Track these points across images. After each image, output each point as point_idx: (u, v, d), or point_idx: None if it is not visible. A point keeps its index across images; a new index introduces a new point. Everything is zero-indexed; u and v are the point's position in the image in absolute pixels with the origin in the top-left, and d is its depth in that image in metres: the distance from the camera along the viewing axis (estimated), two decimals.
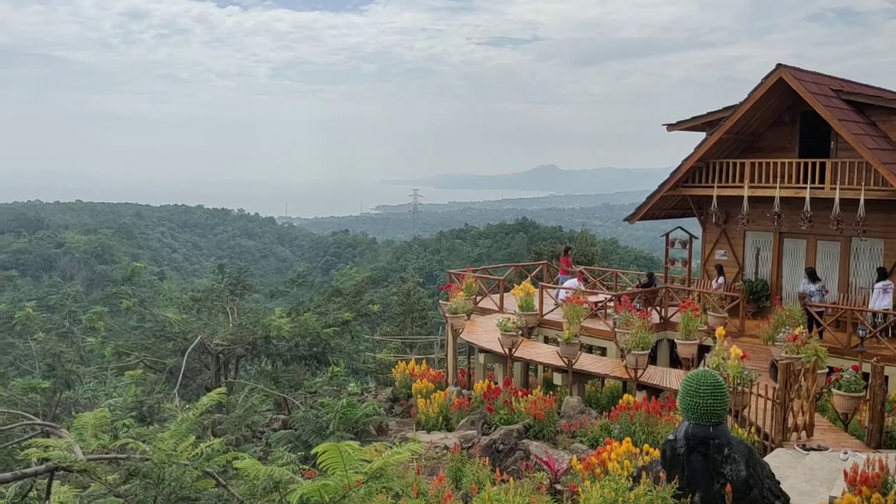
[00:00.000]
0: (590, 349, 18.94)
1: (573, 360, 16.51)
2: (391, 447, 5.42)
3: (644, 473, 9.28)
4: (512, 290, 21.73)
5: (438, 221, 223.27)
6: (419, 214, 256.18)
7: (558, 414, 15.57)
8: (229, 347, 18.00)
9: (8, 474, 5.57)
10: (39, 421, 8.26)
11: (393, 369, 22.47)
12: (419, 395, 18.41)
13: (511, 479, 10.19)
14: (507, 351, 17.61)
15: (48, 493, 5.71)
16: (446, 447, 13.63)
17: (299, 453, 7.48)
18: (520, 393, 16.14)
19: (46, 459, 5.59)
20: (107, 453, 6.18)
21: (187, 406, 6.47)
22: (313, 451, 5.03)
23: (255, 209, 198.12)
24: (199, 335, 17.49)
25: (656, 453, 10.53)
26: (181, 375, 16.31)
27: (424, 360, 24.12)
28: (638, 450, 11.12)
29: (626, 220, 23.03)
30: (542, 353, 18.27)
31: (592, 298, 19.97)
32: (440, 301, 23.64)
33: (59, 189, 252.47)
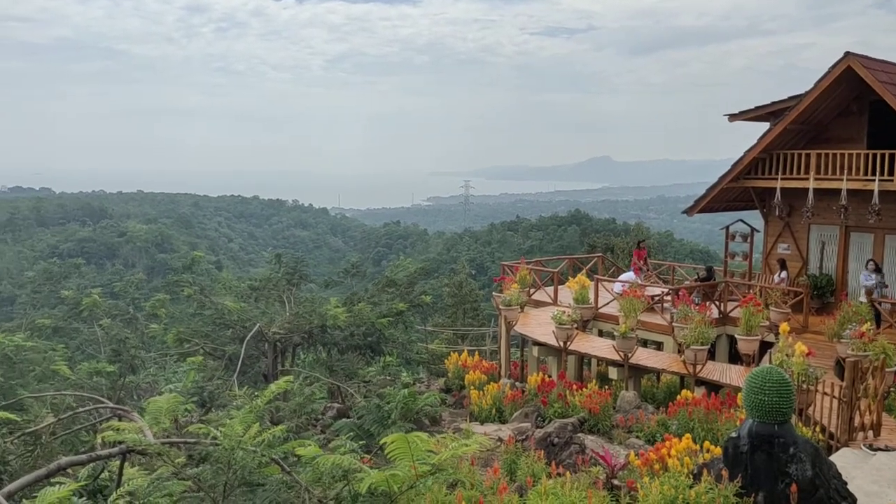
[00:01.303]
0: (645, 343, 18.65)
1: (629, 355, 16.28)
2: (457, 439, 5.42)
3: (705, 471, 9.11)
4: (567, 283, 21.53)
5: (490, 213, 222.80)
6: (470, 206, 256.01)
7: (614, 408, 15.40)
8: (286, 336, 18.31)
9: (83, 456, 5.77)
10: (111, 404, 8.53)
11: (445, 360, 22.52)
12: (472, 387, 18.39)
13: (567, 472, 10.12)
14: (561, 344, 17.47)
15: (120, 474, 5.88)
16: (500, 439, 13.62)
17: (361, 442, 7.55)
18: (574, 386, 15.99)
19: (120, 442, 5.77)
20: (175, 437, 6.36)
21: (255, 394, 6.58)
22: (381, 442, 5.07)
23: (309, 200, 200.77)
24: (258, 323, 17.83)
25: (717, 451, 10.33)
26: (240, 362, 16.67)
27: (477, 352, 24.10)
28: (698, 447, 10.92)
29: (684, 212, 22.58)
30: (597, 346, 18.07)
31: (649, 292, 19.64)
32: (493, 293, 23.57)
33: (122, 179, 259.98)
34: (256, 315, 18.69)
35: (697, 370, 15.44)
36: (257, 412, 5.90)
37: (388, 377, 20.37)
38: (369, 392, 17.76)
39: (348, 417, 16.52)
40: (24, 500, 5.12)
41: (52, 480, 5.49)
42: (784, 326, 13.33)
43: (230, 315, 18.89)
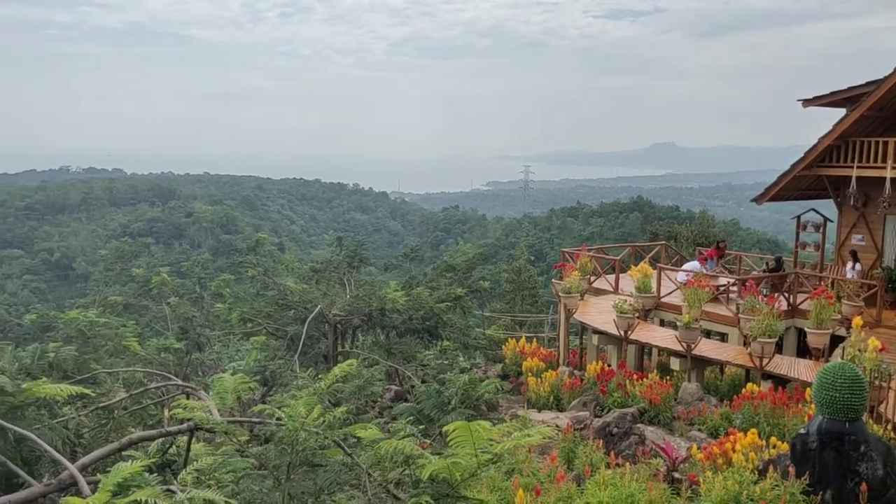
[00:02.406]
0: (709, 334, 18.24)
1: (692, 346, 15.95)
2: (518, 428, 5.39)
3: (771, 467, 8.89)
4: (628, 271, 21.19)
5: (550, 199, 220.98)
6: (530, 191, 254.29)
7: (675, 400, 15.15)
8: (346, 318, 18.53)
9: (153, 432, 5.97)
10: (179, 381, 8.79)
11: (503, 346, 22.48)
12: (530, 374, 18.35)
13: (626, 463, 10.00)
14: (622, 333, 17.24)
15: (188, 450, 6.06)
16: (557, 427, 13.54)
17: (421, 427, 7.59)
18: (634, 376, 15.80)
19: (188, 419, 5.93)
20: (240, 416, 6.51)
21: (318, 375, 6.66)
22: (443, 428, 5.08)
23: (370, 184, 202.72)
24: (319, 305, 18.08)
25: (784, 447, 10.07)
26: (301, 343, 16.95)
27: (535, 339, 24.00)
28: (763, 442, 10.67)
29: (753, 200, 21.92)
30: (658, 336, 17.76)
31: (714, 282, 19.18)
32: (553, 280, 23.40)
33: (189, 161, 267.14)
34: (317, 297, 18.94)
35: (764, 363, 15.03)
36: (320, 395, 5.98)
37: (445, 361, 20.44)
38: (427, 376, 17.85)
39: (406, 400, 16.67)
40: (97, 473, 5.31)
41: (124, 454, 5.69)
42: (857, 320, 12.86)
43: (292, 296, 19.19)
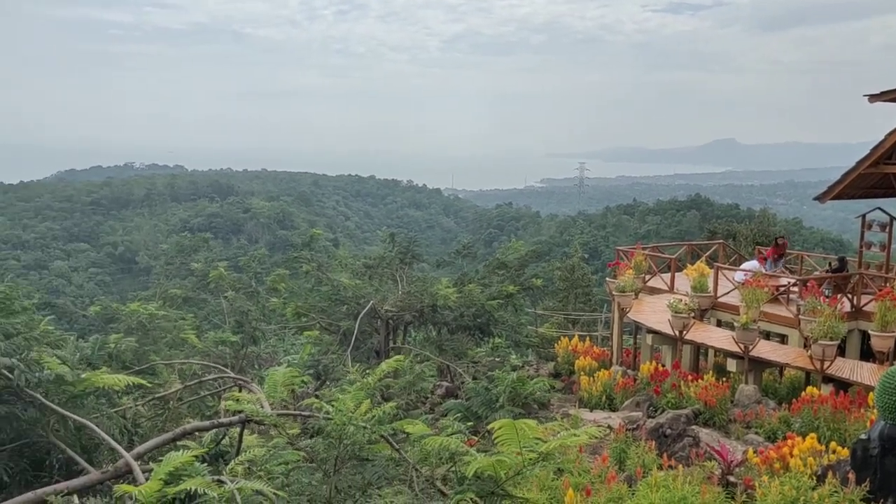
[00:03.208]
0: (767, 336, 17.75)
1: (750, 347, 15.55)
2: (566, 427, 5.33)
3: (830, 473, 8.62)
4: (684, 270, 20.78)
5: (605, 196, 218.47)
6: (585, 188, 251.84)
7: (731, 402, 14.80)
8: (398, 314, 18.65)
9: (207, 423, 6.10)
10: (233, 374, 8.96)
11: (555, 344, 22.30)
12: (582, 373, 18.16)
13: (679, 466, 9.82)
14: (677, 333, 16.91)
15: (240, 442, 6.17)
16: (609, 427, 13.38)
17: (469, 424, 7.58)
18: (689, 377, 15.48)
19: (240, 411, 6.04)
20: (291, 409, 6.60)
21: (367, 370, 6.71)
22: (488, 427, 5.06)
23: (423, 180, 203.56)
24: (371, 300, 18.24)
25: (844, 452, 9.76)
26: (354, 338, 17.13)
27: (588, 337, 23.74)
28: (823, 447, 10.35)
29: (815, 199, 21.20)
30: (715, 337, 17.37)
31: (774, 282, 18.65)
32: (607, 278, 23.09)
33: (247, 157, 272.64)
34: (370, 292, 19.11)
35: (825, 366, 14.54)
36: (368, 389, 6.02)
37: (496, 359, 20.39)
38: (478, 373, 17.84)
39: (457, 397, 16.71)
40: (152, 462, 5.44)
41: (178, 444, 5.82)
42: None
43: (345, 291, 19.40)
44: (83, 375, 6.34)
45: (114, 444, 5.62)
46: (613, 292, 20.14)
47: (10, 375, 5.75)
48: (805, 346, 15.61)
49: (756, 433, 13.16)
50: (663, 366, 17.47)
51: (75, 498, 5.11)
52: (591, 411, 15.99)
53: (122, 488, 4.32)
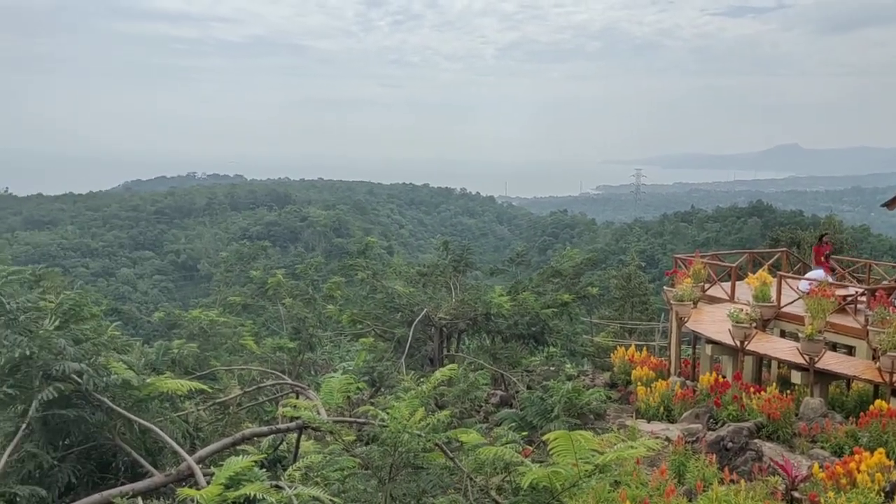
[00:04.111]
0: (834, 347, 17.15)
1: (816, 358, 15.04)
2: (622, 438, 5.24)
3: None
4: (745, 279, 20.26)
5: (662, 203, 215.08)
6: (642, 195, 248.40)
7: (796, 415, 14.34)
8: (452, 321, 18.66)
9: (265, 428, 6.20)
10: (290, 380, 9.10)
11: (611, 354, 22.00)
12: (639, 383, 17.86)
13: (741, 480, 9.57)
14: (738, 343, 16.48)
15: (297, 447, 6.26)
16: (668, 439, 13.11)
17: (523, 433, 7.53)
18: (751, 389, 15.07)
19: (297, 417, 6.13)
20: (347, 416, 6.66)
21: (421, 378, 6.74)
22: (544, 437, 5.01)
23: (477, 188, 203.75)
24: (425, 308, 18.30)
25: None
26: (408, 345, 17.20)
27: (645, 347, 23.35)
28: (891, 462, 9.96)
29: (884, 205, 20.48)
30: (778, 348, 16.86)
31: (840, 291, 18.02)
32: (664, 287, 22.69)
33: (304, 167, 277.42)
34: (424, 300, 19.17)
35: (894, 379, 13.97)
36: (423, 397, 6.03)
37: (551, 368, 20.20)
38: (532, 382, 17.70)
39: (511, 406, 16.59)
40: (212, 466, 5.56)
41: (238, 448, 5.94)
42: None
43: (399, 299, 19.50)
44: (148, 380, 6.53)
45: (177, 447, 5.77)
46: (671, 301, 19.77)
47: (80, 380, 5.95)
48: (873, 358, 15.03)
49: (822, 448, 12.73)
50: (724, 377, 17.05)
51: (139, 500, 5.26)
52: (648, 423, 15.70)
53: (184, 492, 4.43)
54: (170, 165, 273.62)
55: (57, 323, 6.30)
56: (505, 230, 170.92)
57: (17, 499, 5.65)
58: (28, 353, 5.76)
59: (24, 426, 5.71)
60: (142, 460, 5.99)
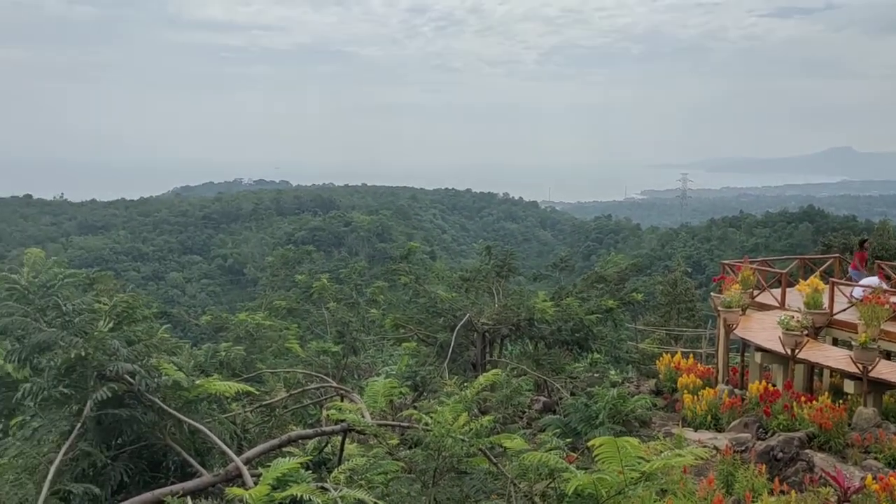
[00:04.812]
0: (889, 356, 16.63)
1: (869, 367, 14.61)
2: (669, 446, 5.17)
3: None
4: (796, 286, 19.78)
5: (709, 208, 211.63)
6: (688, 200, 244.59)
7: (849, 425, 13.95)
8: (494, 327, 18.61)
9: (310, 431, 6.28)
10: (334, 383, 9.20)
11: (657, 361, 21.69)
12: (685, 391, 17.58)
13: (792, 491, 9.35)
14: (788, 351, 16.10)
15: (341, 450, 6.32)
16: (716, 448, 12.88)
17: (567, 440, 7.48)
18: (802, 398, 14.71)
19: (342, 420, 6.19)
20: (391, 419, 6.71)
21: (465, 383, 6.74)
22: (588, 444, 4.98)
23: (520, 193, 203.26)
24: (468, 313, 18.29)
25: None
26: (450, 350, 17.21)
27: (691, 354, 22.97)
28: None
29: None
30: (830, 356, 16.42)
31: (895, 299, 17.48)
32: (712, 293, 22.29)
33: (348, 173, 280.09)
34: (466, 305, 19.17)
35: None
36: (466, 402, 6.04)
37: (595, 374, 20.01)
38: (576, 388, 17.55)
39: (554, 412, 16.47)
40: (259, 467, 5.65)
41: (284, 450, 6.02)
42: None
43: (442, 304, 19.55)
44: (197, 382, 6.66)
45: (225, 448, 5.87)
46: (719, 308, 19.41)
47: (132, 380, 6.10)
48: None
49: (875, 458, 12.36)
50: (774, 386, 16.68)
51: (188, 499, 5.36)
52: (695, 431, 15.45)
53: (233, 491, 4.51)
54: (217, 171, 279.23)
55: (111, 325, 6.48)
56: (548, 235, 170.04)
57: (71, 496, 5.81)
58: (83, 353, 5.93)
59: (79, 425, 5.88)
60: (191, 460, 6.11)
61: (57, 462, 5.57)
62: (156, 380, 6.27)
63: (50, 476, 5.41)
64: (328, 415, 6.79)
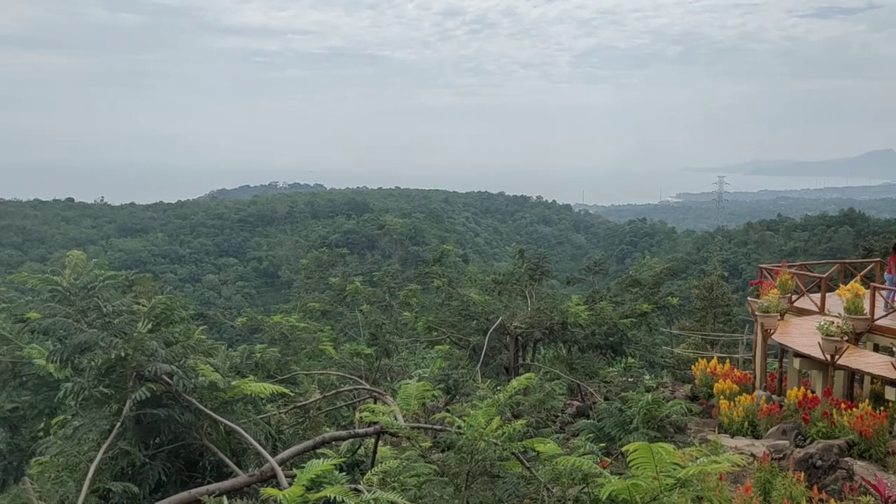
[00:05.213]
0: None
1: None
2: (705, 452, 5.10)
3: None
4: (836, 291, 19.39)
5: (746, 211, 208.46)
6: (725, 203, 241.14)
7: (890, 433, 13.61)
8: (527, 330, 18.55)
9: (344, 432, 6.32)
10: (368, 386, 9.25)
11: (692, 366, 21.40)
12: (721, 397, 17.32)
13: (831, 500, 9.16)
14: (827, 357, 15.77)
15: (374, 452, 6.35)
16: (753, 455, 12.66)
17: (601, 445, 7.42)
18: (842, 405, 14.40)
19: (375, 423, 6.22)
20: (423, 422, 6.73)
21: (498, 386, 6.73)
22: (622, 449, 4.94)
23: (553, 196, 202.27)
24: (500, 316, 18.26)
25: None
26: (483, 353, 17.19)
27: (727, 360, 22.64)
28: None
29: None
30: (871, 362, 16.04)
31: None
32: (749, 298, 21.95)
33: (381, 176, 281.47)
34: (499, 308, 19.13)
35: None
36: (499, 406, 6.03)
37: (629, 379, 19.83)
38: (609, 393, 17.41)
39: (588, 417, 16.35)
40: (294, 468, 5.70)
41: (318, 451, 6.07)
42: None
43: (475, 307, 19.54)
44: (233, 383, 6.75)
45: (260, 449, 5.94)
46: (756, 312, 19.09)
47: (170, 381, 6.21)
48: None
49: None
50: (813, 392, 16.35)
51: (224, 499, 5.43)
52: (732, 437, 15.21)
53: (268, 492, 4.56)
54: (253, 175, 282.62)
55: (150, 326, 6.60)
56: (582, 238, 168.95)
57: (111, 494, 5.92)
58: (123, 354, 6.05)
59: (118, 425, 5.99)
60: (227, 460, 6.19)
61: (97, 460, 5.69)
62: (193, 380, 6.37)
63: (90, 474, 5.52)
64: (361, 417, 6.83)
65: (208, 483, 5.93)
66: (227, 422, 6.27)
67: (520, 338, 18.82)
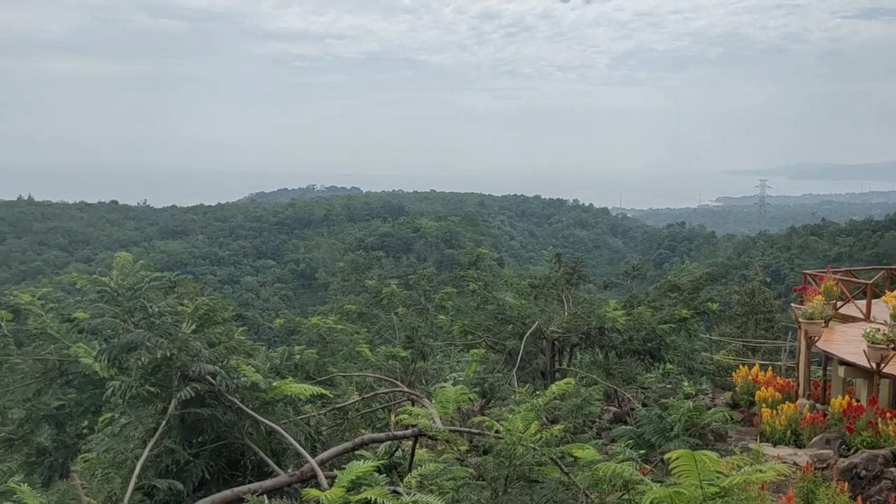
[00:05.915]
0: None
1: None
2: (748, 461, 5.03)
3: None
4: (883, 297, 18.92)
5: (789, 215, 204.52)
6: (766, 207, 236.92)
7: None
8: (564, 335, 18.44)
9: (382, 434, 6.38)
10: (405, 388, 9.30)
11: (733, 373, 21.06)
12: (763, 405, 17.03)
13: None
14: (873, 365, 15.41)
15: (412, 454, 6.39)
16: (795, 464, 12.45)
17: (640, 451, 7.35)
18: (888, 414, 14.06)
19: (413, 425, 6.26)
20: (460, 425, 6.75)
21: (535, 392, 6.72)
22: (665, 456, 4.90)
23: (590, 199, 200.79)
24: (536, 321, 18.19)
25: None
26: (519, 358, 17.14)
27: (770, 367, 22.23)
28: None
29: None
30: None
31: None
32: (792, 304, 21.53)
33: (417, 179, 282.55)
34: (535, 312, 19.05)
35: None
36: (538, 411, 6.02)
37: (668, 385, 19.59)
38: (647, 399, 17.21)
39: (625, 423, 16.20)
40: (332, 468, 5.76)
41: (356, 453, 6.12)
42: None
43: (510, 311, 19.49)
44: (274, 384, 6.85)
45: (300, 449, 6.02)
46: (800, 319, 18.73)
47: (213, 381, 6.32)
48: None
49: None
50: (857, 401, 16.00)
51: (265, 498, 5.52)
52: (774, 446, 14.95)
53: (310, 492, 4.61)
54: (291, 178, 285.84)
55: (193, 327, 6.73)
56: (619, 243, 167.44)
57: (155, 491, 6.05)
58: (168, 354, 6.18)
59: (163, 423, 6.12)
60: (267, 460, 6.28)
61: (143, 458, 5.82)
62: (235, 381, 6.48)
63: (136, 471, 5.65)
64: (399, 419, 6.87)
65: (249, 482, 6.03)
66: (268, 422, 6.37)
67: (556, 342, 18.73)
